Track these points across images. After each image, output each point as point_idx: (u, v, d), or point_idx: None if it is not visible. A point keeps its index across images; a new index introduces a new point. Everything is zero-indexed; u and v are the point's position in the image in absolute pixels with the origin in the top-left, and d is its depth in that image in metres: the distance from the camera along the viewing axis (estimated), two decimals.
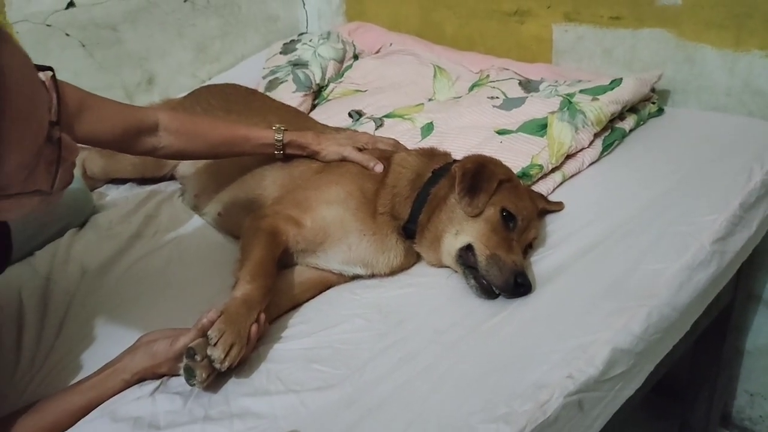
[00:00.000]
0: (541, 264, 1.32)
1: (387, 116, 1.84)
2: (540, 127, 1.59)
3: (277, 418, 1.03)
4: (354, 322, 1.23)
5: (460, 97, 1.91)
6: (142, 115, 1.34)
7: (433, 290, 1.31)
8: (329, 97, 2.13)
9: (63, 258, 1.48)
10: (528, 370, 1.07)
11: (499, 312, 1.21)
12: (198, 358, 1.05)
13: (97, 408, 1.07)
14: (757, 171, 1.47)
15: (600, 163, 1.63)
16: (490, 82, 1.90)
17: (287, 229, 1.32)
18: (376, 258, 1.34)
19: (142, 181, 1.82)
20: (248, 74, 2.34)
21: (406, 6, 2.38)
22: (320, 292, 1.34)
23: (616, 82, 1.67)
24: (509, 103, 1.71)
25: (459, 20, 2.25)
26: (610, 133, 1.66)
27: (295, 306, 1.30)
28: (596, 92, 1.65)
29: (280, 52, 2.26)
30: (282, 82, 2.11)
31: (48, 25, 2.06)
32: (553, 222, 1.44)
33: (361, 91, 2.10)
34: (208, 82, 2.37)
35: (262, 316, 1.15)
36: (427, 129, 1.71)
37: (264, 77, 2.19)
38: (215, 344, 1.06)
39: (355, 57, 2.28)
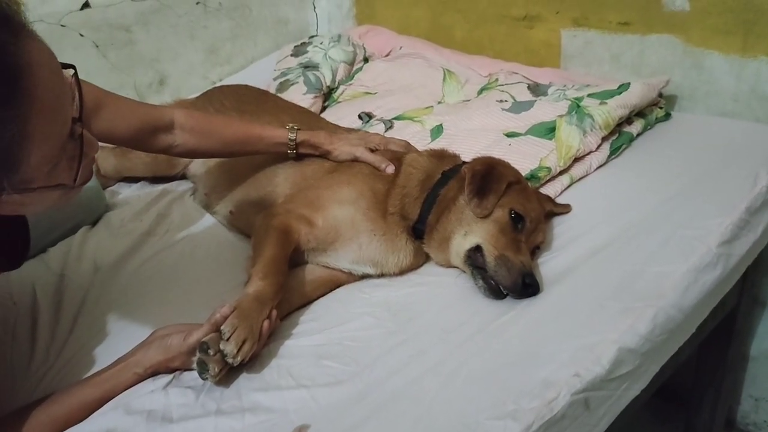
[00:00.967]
0: (548, 265, 1.34)
1: (396, 118, 1.86)
2: (548, 130, 1.61)
3: (288, 412, 1.04)
4: (364, 320, 1.25)
5: (469, 100, 1.93)
6: (158, 113, 1.37)
7: (442, 290, 1.33)
8: (339, 99, 2.15)
9: (76, 255, 1.50)
10: (536, 369, 1.08)
11: (507, 312, 1.22)
12: (211, 352, 1.07)
13: (111, 401, 1.09)
14: (763, 176, 1.48)
15: (607, 167, 1.65)
16: (499, 85, 1.92)
17: (299, 228, 1.34)
18: (385, 258, 1.36)
19: (154, 179, 1.84)
20: (259, 76, 2.36)
21: (416, 10, 2.40)
22: (330, 290, 1.36)
23: (624, 87, 1.69)
24: (518, 107, 1.73)
25: (468, 24, 2.28)
26: (618, 136, 1.68)
27: (306, 303, 1.32)
28: (604, 96, 1.67)
29: (291, 55, 2.29)
30: (293, 84, 2.13)
31: (62, 26, 2.08)
32: (560, 224, 1.46)
33: (370, 93, 2.12)
34: (218, 84, 2.38)
35: (274, 313, 1.17)
36: (437, 131, 1.73)
37: (275, 79, 2.21)
38: (228, 339, 1.07)
39: (365, 60, 2.30)
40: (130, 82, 2.28)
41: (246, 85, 1.94)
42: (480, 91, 1.96)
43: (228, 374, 1.11)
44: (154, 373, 1.13)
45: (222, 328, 1.09)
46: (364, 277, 1.39)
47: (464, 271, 1.33)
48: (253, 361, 1.14)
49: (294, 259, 1.34)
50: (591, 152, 1.62)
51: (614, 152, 1.66)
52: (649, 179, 1.57)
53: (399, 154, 1.50)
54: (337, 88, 2.19)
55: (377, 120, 1.89)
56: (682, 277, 1.26)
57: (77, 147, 0.86)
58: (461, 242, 1.31)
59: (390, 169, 1.44)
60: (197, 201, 1.72)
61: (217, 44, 2.50)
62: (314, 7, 2.73)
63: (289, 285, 1.28)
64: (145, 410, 1.06)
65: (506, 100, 1.79)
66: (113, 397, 1.09)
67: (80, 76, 0.92)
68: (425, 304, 1.29)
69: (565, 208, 1.49)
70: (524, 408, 1.01)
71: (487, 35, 2.23)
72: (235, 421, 1.04)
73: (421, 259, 1.40)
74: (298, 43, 2.35)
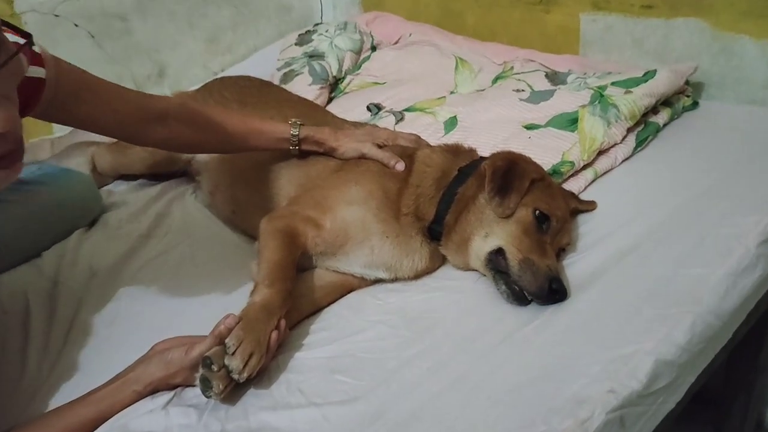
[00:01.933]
0: (574, 268, 1.26)
1: (407, 110, 1.79)
2: (570, 122, 1.53)
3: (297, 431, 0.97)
4: (378, 329, 1.18)
5: (483, 89, 1.86)
6: (151, 101, 1.29)
7: (461, 295, 1.25)
8: (346, 90, 2.08)
9: (71, 259, 1.43)
10: (566, 383, 1.00)
11: (533, 320, 1.15)
12: (215, 368, 0.99)
13: (108, 421, 1.02)
14: None
15: (633, 160, 1.57)
16: (515, 74, 1.85)
17: (306, 231, 1.26)
18: (399, 261, 1.28)
19: (153, 176, 1.76)
20: (262, 66, 2.29)
21: None
22: (341, 297, 1.28)
23: (650, 74, 1.62)
24: (536, 96, 1.66)
25: (481, 9, 2.21)
26: (644, 127, 1.61)
27: (316, 311, 1.25)
28: (629, 84, 1.59)
29: (296, 44, 2.21)
30: (298, 74, 2.05)
31: (56, 16, 2.01)
32: (586, 222, 1.38)
33: (379, 83, 2.04)
34: (220, 74, 2.31)
35: (282, 323, 1.09)
36: (451, 123, 1.65)
37: (279, 69, 2.14)
38: (233, 353, 1.00)
39: (373, 48, 2.23)
40: (128, 73, 2.20)
41: (248, 77, 1.86)
42: (495, 80, 1.89)
43: (233, 391, 1.04)
44: (153, 390, 1.06)
45: (227, 341, 1.01)
46: (377, 281, 1.31)
47: (485, 275, 1.25)
48: (260, 376, 1.07)
49: (302, 264, 1.27)
50: (616, 144, 1.55)
51: (640, 144, 1.58)
52: (678, 173, 1.50)
53: (410, 150, 1.42)
54: (343, 78, 2.12)
55: (387, 112, 1.82)
56: (720, 280, 1.18)
57: None
58: (482, 244, 1.23)
59: (400, 166, 1.35)
60: (199, 200, 1.65)
61: (218, 33, 2.43)
62: None
63: (297, 292, 1.21)
64: (144, 431, 0.99)
65: (523, 90, 1.72)
66: (110, 417, 1.03)
67: None
68: (443, 310, 1.21)
69: (590, 206, 1.41)
70: (555, 429, 0.94)
71: (501, 20, 2.16)
72: None
73: (437, 262, 1.33)
74: (303, 31, 2.27)
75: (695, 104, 1.74)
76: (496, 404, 0.99)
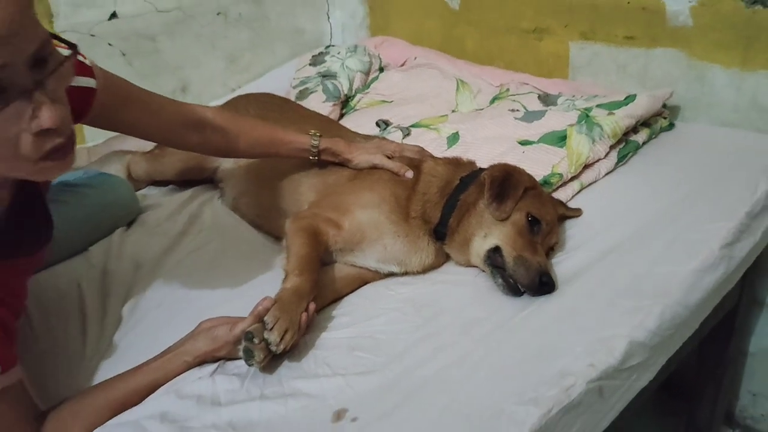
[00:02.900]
0: (562, 266, 1.43)
1: (413, 126, 1.96)
2: (560, 139, 1.70)
3: (326, 398, 1.13)
4: (391, 315, 1.34)
5: (482, 109, 2.02)
6: (189, 110, 1.44)
7: (463, 288, 1.42)
8: (356, 107, 2.25)
9: (117, 253, 1.59)
10: (554, 360, 1.17)
11: (525, 308, 1.31)
12: (256, 341, 1.16)
13: (162, 387, 1.17)
14: (762, 183, 1.57)
15: (615, 173, 1.74)
16: (511, 95, 2.02)
17: (327, 230, 1.43)
18: (409, 257, 1.45)
19: (181, 183, 1.94)
20: (276, 84, 2.46)
21: (429, 21, 2.50)
22: (358, 287, 1.45)
23: (630, 98, 1.79)
24: (530, 116, 1.83)
25: (479, 36, 2.38)
26: (625, 145, 1.78)
27: (337, 299, 1.41)
28: (612, 107, 1.77)
29: (310, 64, 2.39)
30: (312, 92, 2.23)
31: (92, 35, 2.20)
32: (572, 227, 1.55)
33: (387, 101, 2.21)
34: (238, 91, 2.49)
35: (311, 306, 1.26)
36: (453, 139, 1.83)
37: (294, 87, 2.31)
38: (271, 329, 1.16)
39: (381, 69, 2.41)
40: (155, 89, 2.29)
41: (269, 94, 2.04)
42: (492, 101, 2.06)
43: (270, 362, 1.19)
44: (201, 361, 1.21)
45: (265, 318, 1.18)
46: (390, 275, 1.47)
47: (483, 271, 1.42)
48: (292, 351, 1.22)
49: (324, 259, 1.42)
50: (600, 160, 1.72)
51: (621, 160, 1.76)
52: (654, 185, 1.67)
53: (416, 161, 1.58)
54: (354, 96, 2.29)
55: (395, 127, 1.98)
56: (687, 276, 1.35)
57: (29, 101, 0.86)
58: (481, 243, 1.40)
59: (409, 174, 1.52)
60: (225, 204, 1.81)
61: (237, 53, 2.60)
62: (328, 18, 2.83)
63: (320, 282, 1.36)
64: (195, 395, 1.15)
65: (518, 110, 1.88)
66: (164, 384, 1.18)
67: None
68: (448, 300, 1.37)
69: (577, 212, 1.58)
70: (544, 395, 1.09)
71: (498, 47, 2.33)
72: (278, 405, 1.12)
73: (442, 259, 1.49)
74: (317, 52, 2.45)
75: (671, 125, 1.91)
76: (493, 377, 1.15)
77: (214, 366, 1.22)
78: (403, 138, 1.90)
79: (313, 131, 1.57)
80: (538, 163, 1.65)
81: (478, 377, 1.16)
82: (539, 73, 2.18)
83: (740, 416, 2.08)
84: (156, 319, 1.38)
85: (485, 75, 2.21)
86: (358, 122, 2.09)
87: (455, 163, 1.58)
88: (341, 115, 2.24)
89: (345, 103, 2.28)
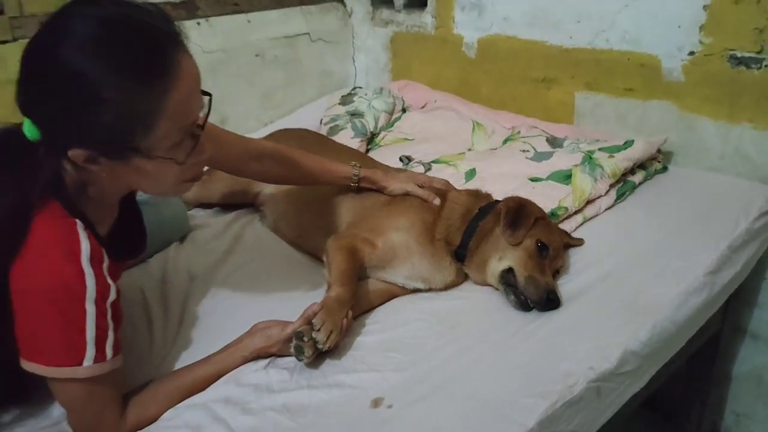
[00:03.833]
0: (566, 286, 1.62)
1: (434, 162, 2.17)
2: (565, 177, 1.92)
3: (365, 388, 1.32)
4: (417, 324, 1.52)
5: (495, 149, 2.24)
6: (251, 143, 1.67)
7: (479, 303, 1.61)
8: (381, 144, 2.47)
9: (173, 266, 1.79)
10: (559, 363, 1.36)
11: (534, 321, 1.51)
12: (306, 339, 1.35)
13: (224, 377, 1.36)
14: (742, 221, 1.79)
15: (614, 209, 1.95)
16: (522, 137, 2.24)
17: (364, 248, 1.63)
18: (433, 275, 1.65)
19: (225, 206, 2.15)
20: (304, 119, 2.70)
21: (448, 69, 2.72)
22: (388, 300, 1.64)
23: (628, 143, 2.01)
24: (539, 156, 2.05)
25: (494, 83, 2.59)
26: (623, 184, 1.99)
27: (369, 310, 1.60)
28: (612, 150, 1.99)
29: (339, 103, 2.62)
30: (342, 129, 2.45)
31: None
32: (575, 254, 1.76)
33: (408, 139, 2.44)
34: (270, 125, 2.72)
35: (350, 313, 1.46)
36: (470, 174, 2.04)
37: (325, 124, 2.54)
38: (319, 330, 1.36)
39: (404, 110, 2.63)
40: None
41: (307, 129, 2.27)
42: (504, 141, 2.28)
43: (316, 359, 1.38)
44: (256, 357, 1.40)
45: (313, 321, 1.37)
46: (416, 291, 1.67)
47: (497, 289, 1.61)
48: (334, 350, 1.41)
49: (359, 274, 1.62)
50: (601, 196, 1.92)
51: (620, 197, 1.97)
52: (648, 220, 1.88)
53: (442, 192, 1.80)
54: (379, 133, 2.51)
55: (417, 163, 2.20)
56: (675, 297, 1.56)
57: (192, 144, 1.16)
58: (497, 265, 1.60)
59: (437, 201, 1.73)
60: (266, 225, 2.02)
61: (271, 91, 2.83)
62: (354, 61, 3.09)
63: (358, 294, 1.56)
64: (252, 384, 1.34)
65: (528, 150, 2.10)
66: (225, 374, 1.36)
67: None
68: (466, 313, 1.57)
69: (579, 242, 1.79)
70: (550, 390, 1.28)
71: (510, 94, 2.54)
72: (324, 393, 1.31)
73: (461, 278, 1.69)
74: (346, 93, 2.69)
75: (665, 168, 2.12)
76: (507, 375, 1.34)
77: (266, 361, 1.40)
78: (425, 172, 2.11)
79: (354, 162, 1.79)
80: (546, 198, 1.85)
81: (494, 374, 1.35)
82: (547, 118, 2.39)
83: None
84: (209, 323, 1.57)
85: (498, 118, 2.43)
86: (383, 157, 2.29)
87: (475, 194, 1.79)
88: (367, 150, 2.46)
89: (371, 140, 2.49)
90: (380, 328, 1.54)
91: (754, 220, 1.82)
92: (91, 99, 1.04)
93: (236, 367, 1.39)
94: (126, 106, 1.05)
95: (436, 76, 2.78)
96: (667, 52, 2.09)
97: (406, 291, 1.67)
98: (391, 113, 2.58)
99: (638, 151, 2.00)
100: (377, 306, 1.63)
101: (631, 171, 2.04)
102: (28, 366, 1.16)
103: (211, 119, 2.57)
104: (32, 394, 1.31)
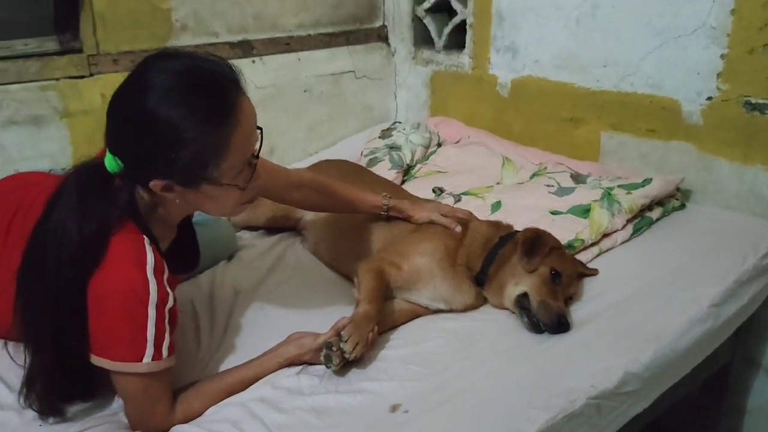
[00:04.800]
0: (577, 312, 1.74)
1: (464, 193, 2.32)
2: (584, 211, 2.04)
3: (385, 395, 1.46)
4: (437, 341, 1.66)
5: (522, 183, 2.38)
6: (293, 173, 1.87)
7: (496, 324, 1.74)
8: (416, 175, 2.64)
9: (220, 281, 1.98)
10: (563, 380, 1.48)
11: (544, 342, 1.64)
12: (334, 349, 1.50)
13: (261, 380, 1.52)
14: (750, 257, 1.89)
15: (630, 243, 2.07)
16: (548, 173, 2.38)
17: (390, 271, 1.79)
18: (453, 297, 1.80)
19: (269, 230, 2.35)
20: (347, 151, 2.89)
21: (482, 106, 2.88)
22: (412, 319, 1.78)
23: (647, 181, 2.13)
24: (561, 191, 2.18)
25: (524, 121, 2.74)
26: (640, 220, 2.10)
27: (394, 327, 1.74)
28: (630, 188, 2.11)
29: (379, 137, 2.81)
30: (380, 161, 2.63)
31: None
32: (589, 283, 1.88)
33: (442, 172, 2.60)
34: (314, 155, 2.91)
35: (376, 328, 1.61)
36: (496, 206, 2.18)
37: (365, 155, 2.72)
38: (346, 341, 1.51)
39: (439, 144, 2.80)
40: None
41: (346, 161, 2.46)
42: (532, 176, 2.41)
43: (343, 368, 1.54)
44: (290, 363, 1.56)
45: (342, 333, 1.54)
46: (438, 311, 1.81)
47: (513, 312, 1.75)
48: (360, 361, 1.56)
49: (386, 295, 1.77)
50: (617, 230, 2.04)
51: (636, 232, 2.08)
52: (661, 254, 1.98)
53: (464, 221, 1.94)
54: (414, 166, 2.68)
55: (447, 194, 2.36)
56: (678, 326, 1.66)
57: (250, 172, 1.37)
58: (513, 289, 1.73)
59: (458, 229, 1.88)
60: (306, 248, 2.21)
61: (316, 124, 3.02)
62: (395, 97, 3.28)
63: (383, 312, 1.71)
64: (285, 387, 1.50)
65: (552, 185, 2.23)
66: (262, 378, 1.52)
67: None
68: (483, 333, 1.70)
69: (594, 272, 1.91)
70: (552, 404, 1.40)
71: (540, 131, 2.68)
72: (348, 397, 1.46)
73: (480, 301, 1.83)
74: (385, 127, 2.88)
75: (683, 206, 2.22)
76: (515, 388, 1.47)
77: (299, 368, 1.56)
78: (455, 203, 2.27)
79: (384, 193, 1.97)
80: (564, 230, 1.97)
81: (503, 387, 1.48)
82: (574, 155, 2.52)
83: None
84: (251, 333, 1.75)
85: (527, 154, 2.57)
86: (417, 188, 2.47)
87: (496, 224, 1.94)
88: (403, 181, 2.63)
89: (407, 172, 2.67)
90: (403, 343, 1.69)
91: (763, 256, 1.91)
92: (175, 140, 1.26)
93: (272, 372, 1.55)
94: (202, 144, 1.27)
95: (471, 112, 2.94)
96: (687, 96, 2.22)
97: (429, 311, 1.82)
98: (428, 147, 2.75)
99: (655, 189, 2.12)
100: (402, 324, 1.78)
101: (649, 207, 2.15)
102: (97, 361, 1.36)
103: (261, 150, 2.81)
104: (95, 390, 1.49)
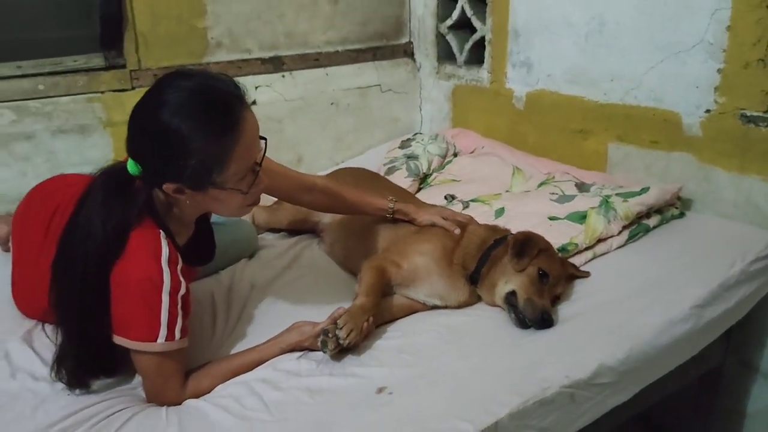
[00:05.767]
0: (565, 310, 1.85)
1: (472, 200, 2.45)
2: (581, 217, 2.14)
3: (373, 378, 1.59)
4: (430, 334, 1.79)
5: (529, 191, 2.51)
6: (304, 177, 2.04)
7: (487, 320, 1.86)
8: (431, 183, 2.79)
9: (239, 277, 2.16)
10: (539, 370, 1.59)
11: (527, 337, 1.75)
12: (330, 335, 1.65)
13: (265, 363, 1.68)
14: (738, 263, 1.96)
15: (625, 248, 2.16)
16: (555, 182, 2.49)
17: (390, 268, 1.93)
18: (448, 294, 1.93)
19: (290, 231, 2.52)
20: (372, 161, 3.06)
21: (500, 118, 3.01)
22: (409, 314, 1.92)
23: (644, 190, 2.22)
24: (563, 199, 2.28)
25: (539, 133, 2.85)
26: (637, 226, 2.19)
27: (392, 320, 1.88)
28: (627, 196, 2.20)
29: (399, 147, 2.97)
30: (398, 169, 2.79)
31: None
32: (579, 285, 1.98)
33: (456, 180, 2.74)
34: (341, 164, 3.08)
35: (371, 319, 1.75)
36: (500, 212, 2.31)
37: (384, 164, 2.89)
38: (341, 328, 1.66)
39: (455, 155, 2.95)
40: (277, 159, 2.96)
41: (363, 168, 2.62)
42: (539, 185, 2.52)
43: (339, 354, 1.67)
44: (292, 349, 1.71)
45: (338, 321, 1.68)
46: (434, 307, 1.94)
47: (503, 309, 1.87)
48: (355, 349, 1.70)
49: (386, 291, 1.92)
50: (613, 236, 2.14)
51: (632, 237, 2.17)
52: (654, 259, 2.06)
53: (463, 224, 2.07)
54: (430, 174, 2.83)
55: (458, 201, 2.50)
56: (658, 325, 1.75)
57: (254, 177, 1.54)
58: (503, 288, 1.85)
59: (457, 231, 2.01)
60: (322, 249, 2.37)
61: (343, 135, 3.20)
62: (420, 110, 3.44)
63: (382, 307, 1.85)
64: (285, 369, 1.65)
65: (556, 193, 2.35)
66: (265, 361, 1.68)
67: None
68: (474, 327, 1.82)
69: (585, 274, 2.01)
70: (525, 390, 1.52)
71: (552, 143, 2.79)
72: (340, 380, 1.60)
73: (474, 299, 1.95)
74: (405, 138, 3.04)
75: (682, 214, 2.29)
76: (494, 377, 1.58)
77: (300, 353, 1.71)
78: (463, 209, 2.40)
79: (391, 197, 2.12)
80: (560, 234, 2.09)
81: (483, 376, 1.60)
82: (583, 166, 2.62)
83: None
84: (261, 322, 1.91)
85: (538, 164, 2.69)
86: (431, 195, 2.62)
87: (493, 228, 2.07)
88: (419, 189, 2.78)
89: (423, 180, 2.82)
90: (398, 335, 1.82)
91: (751, 262, 1.98)
92: (184, 149, 1.44)
93: (275, 356, 1.70)
94: (208, 153, 1.45)
95: (489, 124, 3.07)
96: (687, 109, 2.30)
97: (425, 307, 1.95)
98: (444, 157, 2.90)
99: (652, 197, 2.21)
100: (400, 318, 1.91)
101: (647, 215, 2.24)
102: (118, 340, 1.54)
103: (289, 157, 3.03)
104: (117, 367, 1.67)
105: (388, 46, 3.30)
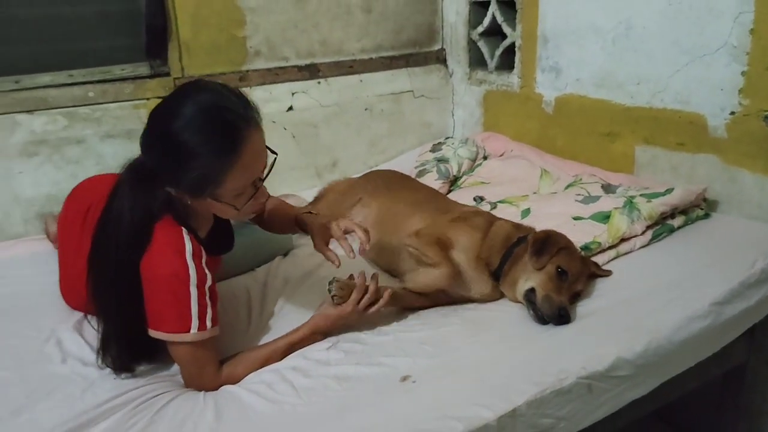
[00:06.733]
0: (583, 307, 1.90)
1: (500, 201, 2.52)
2: (604, 217, 2.19)
3: (398, 368, 1.68)
4: (452, 326, 1.87)
5: (555, 193, 2.56)
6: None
7: (508, 315, 1.93)
8: (461, 186, 2.86)
9: (274, 273, 2.27)
10: (557, 361, 1.65)
11: (546, 331, 1.81)
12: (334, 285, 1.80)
13: (296, 352, 1.78)
14: (759, 261, 1.99)
15: (649, 248, 2.20)
16: (581, 183, 2.54)
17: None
18: (473, 285, 2.00)
19: None
20: (405, 164, 3.14)
21: (529, 122, 3.08)
22: (434, 306, 2.02)
23: (668, 191, 2.26)
24: (588, 200, 2.33)
25: (568, 136, 2.91)
26: (661, 227, 2.23)
27: (419, 309, 1.99)
28: (651, 197, 2.24)
29: (430, 150, 3.06)
30: (428, 172, 2.88)
31: (273, 122, 2.97)
32: (601, 283, 2.03)
33: (485, 183, 2.81)
34: (374, 168, 3.18)
35: (387, 292, 1.86)
36: (526, 212, 2.37)
37: (416, 167, 2.98)
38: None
39: (485, 158, 3.02)
40: (313, 163, 3.12)
41: (393, 171, 2.71)
42: (566, 187, 2.58)
43: (362, 348, 1.78)
44: (314, 330, 1.80)
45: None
46: (461, 300, 2.03)
47: (524, 304, 1.95)
48: (380, 340, 1.81)
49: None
50: (636, 236, 2.18)
51: (656, 237, 2.21)
52: (678, 259, 2.10)
53: (492, 219, 2.14)
54: (461, 177, 2.91)
55: (486, 202, 2.57)
56: (676, 321, 1.78)
57: (253, 192, 1.61)
58: (523, 284, 1.92)
59: (337, 263, 1.93)
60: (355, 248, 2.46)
61: (376, 139, 3.30)
62: (452, 115, 3.52)
63: (406, 296, 1.97)
64: (315, 359, 1.74)
65: (581, 194, 2.40)
66: (293, 345, 1.77)
67: (279, 158, 1.68)
68: (496, 321, 1.90)
69: (607, 273, 2.06)
70: (543, 381, 1.59)
71: (580, 145, 2.84)
72: (366, 368, 1.69)
73: (497, 294, 2.02)
74: (437, 142, 3.12)
75: (707, 215, 2.32)
76: (512, 368, 1.64)
77: (329, 344, 1.81)
78: (491, 210, 2.47)
79: (308, 211, 2.06)
80: (583, 233, 2.14)
81: (503, 366, 1.66)
82: (611, 168, 2.66)
83: None
84: (294, 316, 1.99)
85: (565, 167, 2.74)
86: (461, 196, 2.68)
87: (518, 226, 2.13)
88: (449, 191, 2.86)
89: (453, 182, 2.90)
90: (422, 327, 1.90)
91: None
92: (187, 161, 1.53)
93: (300, 340, 1.80)
94: (207, 169, 1.54)
95: (519, 128, 3.14)
96: (712, 111, 2.33)
97: (450, 299, 2.03)
98: (474, 160, 2.97)
99: (676, 198, 2.24)
100: (426, 308, 2.00)
101: (672, 215, 2.28)
102: (153, 333, 1.65)
103: (324, 161, 3.14)
104: (156, 354, 1.77)
105: (420, 53, 3.39)
